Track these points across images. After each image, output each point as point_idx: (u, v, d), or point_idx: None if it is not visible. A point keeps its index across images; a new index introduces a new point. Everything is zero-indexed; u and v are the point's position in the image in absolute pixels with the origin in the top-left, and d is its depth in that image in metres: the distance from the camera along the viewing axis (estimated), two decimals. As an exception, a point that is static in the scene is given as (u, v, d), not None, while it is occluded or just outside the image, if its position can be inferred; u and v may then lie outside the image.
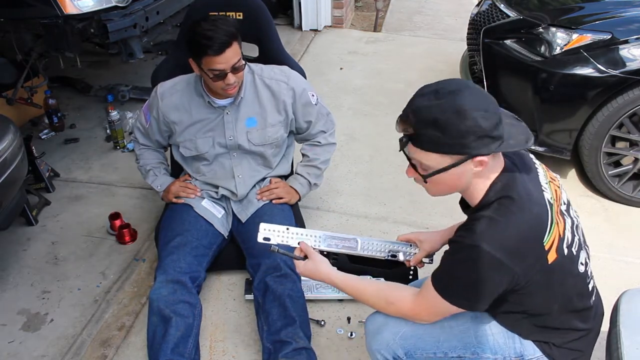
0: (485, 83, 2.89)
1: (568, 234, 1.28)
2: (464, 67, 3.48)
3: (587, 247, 1.41)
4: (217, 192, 2.08)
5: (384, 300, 1.39)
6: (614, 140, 2.59)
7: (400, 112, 1.21)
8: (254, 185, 2.10)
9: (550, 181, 1.32)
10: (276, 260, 1.88)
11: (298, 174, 2.18)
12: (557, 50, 2.54)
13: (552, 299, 1.28)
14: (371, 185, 2.79)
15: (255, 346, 1.91)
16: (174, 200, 2.07)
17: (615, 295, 1.44)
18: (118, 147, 3.08)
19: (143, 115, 2.08)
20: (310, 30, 4.88)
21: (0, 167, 1.88)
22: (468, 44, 3.43)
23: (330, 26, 5.00)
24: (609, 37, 2.43)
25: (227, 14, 2.20)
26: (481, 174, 1.22)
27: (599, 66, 2.42)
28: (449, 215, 2.47)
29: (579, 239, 1.34)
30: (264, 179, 2.12)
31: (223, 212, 2.07)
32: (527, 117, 2.70)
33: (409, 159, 1.25)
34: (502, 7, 2.97)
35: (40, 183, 2.66)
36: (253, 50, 2.31)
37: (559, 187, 1.34)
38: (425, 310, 1.32)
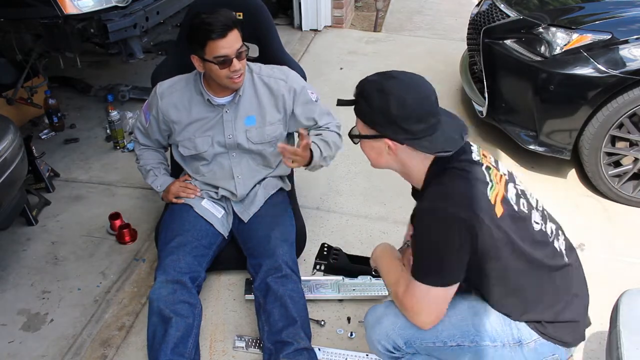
0: (485, 83, 2.90)
1: (512, 195, 1.34)
2: (464, 67, 3.48)
3: (542, 211, 1.44)
4: (216, 193, 2.08)
5: (394, 272, 1.44)
6: (614, 140, 2.59)
7: None
8: (254, 186, 2.10)
9: (483, 157, 1.39)
10: (277, 261, 1.88)
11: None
12: (557, 50, 2.54)
13: (522, 259, 1.31)
14: (371, 185, 2.79)
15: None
16: (174, 200, 2.06)
17: (615, 295, 1.44)
18: (118, 147, 3.08)
19: (143, 115, 2.08)
20: (310, 30, 4.88)
21: (0, 167, 1.88)
22: (468, 44, 3.43)
23: (330, 26, 5.00)
24: (609, 37, 2.43)
25: (227, 13, 2.20)
26: (412, 157, 1.32)
27: (599, 66, 2.43)
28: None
29: (528, 202, 1.38)
30: (264, 179, 2.12)
31: (223, 212, 2.07)
32: (527, 117, 2.71)
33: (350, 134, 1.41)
34: (502, 7, 2.98)
35: (40, 183, 2.66)
36: (253, 50, 2.30)
37: (491, 164, 1.39)
38: (415, 305, 1.33)
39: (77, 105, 3.58)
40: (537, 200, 1.43)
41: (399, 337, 1.42)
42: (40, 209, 2.56)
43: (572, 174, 2.92)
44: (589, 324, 1.47)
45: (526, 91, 2.64)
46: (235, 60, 1.79)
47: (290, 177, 2.31)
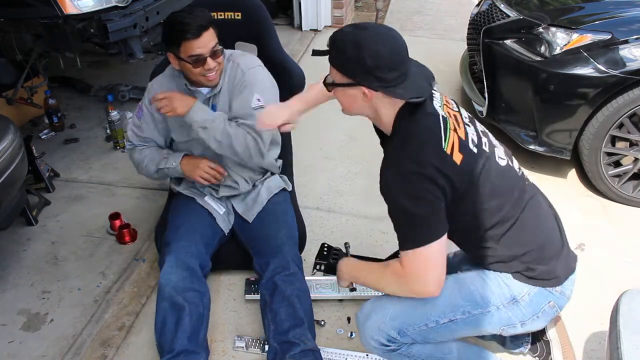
0: (485, 83, 2.89)
1: (473, 137, 1.40)
2: (464, 67, 3.48)
3: (506, 149, 1.51)
4: (217, 192, 2.09)
5: (379, 272, 1.45)
6: (614, 140, 2.59)
7: None
8: (255, 183, 2.11)
9: (445, 105, 1.44)
10: (285, 258, 1.89)
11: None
12: (557, 50, 2.54)
13: (494, 198, 1.36)
14: (371, 185, 2.78)
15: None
16: (199, 179, 1.99)
17: (615, 295, 1.44)
18: (118, 147, 3.08)
19: (136, 115, 2.08)
20: (310, 30, 4.88)
21: (1, 167, 1.88)
22: (468, 44, 3.43)
23: (330, 26, 5.00)
24: (609, 37, 2.43)
25: (226, 14, 2.21)
26: (385, 104, 1.36)
27: (599, 66, 2.42)
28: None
29: (489, 141, 1.45)
30: (266, 178, 2.14)
31: (224, 209, 2.09)
32: (527, 117, 2.70)
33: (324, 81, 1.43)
34: (502, 7, 2.97)
35: (40, 183, 2.66)
36: (252, 50, 2.31)
37: (452, 109, 1.45)
38: (417, 272, 1.34)
39: (77, 105, 3.58)
40: (493, 138, 1.50)
41: (390, 328, 1.43)
42: (40, 209, 2.56)
43: (572, 174, 2.92)
44: (574, 255, 1.50)
45: (526, 91, 2.64)
46: (209, 59, 1.82)
47: (291, 177, 2.32)
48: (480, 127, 1.48)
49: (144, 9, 2.73)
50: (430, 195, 1.29)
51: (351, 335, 1.94)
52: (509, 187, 1.41)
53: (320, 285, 2.09)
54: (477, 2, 3.51)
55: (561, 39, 2.54)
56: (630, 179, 2.63)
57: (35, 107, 3.18)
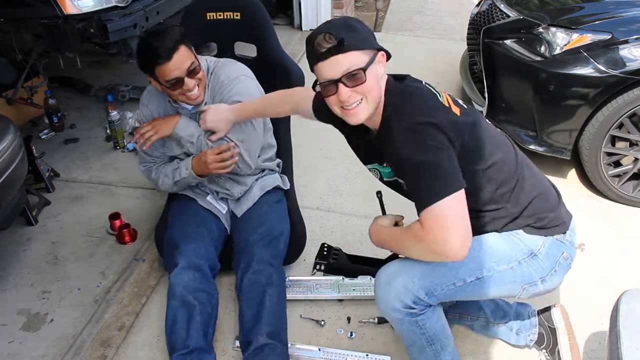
0: (485, 83, 2.89)
1: (462, 103, 1.44)
2: (464, 67, 3.48)
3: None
4: (218, 193, 2.10)
5: (401, 236, 1.42)
6: (614, 140, 2.59)
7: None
8: (251, 185, 2.10)
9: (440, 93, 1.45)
10: (251, 258, 1.88)
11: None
12: (557, 50, 2.54)
13: (499, 150, 1.41)
14: (371, 185, 2.78)
15: (255, 346, 1.91)
16: (217, 171, 1.91)
17: (615, 295, 1.44)
18: (118, 147, 3.08)
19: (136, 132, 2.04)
20: (310, 30, 4.86)
21: (0, 167, 1.88)
22: (468, 44, 3.43)
23: (330, 26, 5.00)
24: (609, 37, 2.43)
25: (225, 14, 2.21)
26: (382, 80, 1.37)
27: (599, 66, 2.42)
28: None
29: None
30: (263, 177, 2.14)
31: (226, 208, 2.10)
32: (527, 117, 2.70)
33: (336, 82, 1.31)
34: (502, 7, 2.98)
35: (40, 183, 2.66)
36: (251, 50, 2.31)
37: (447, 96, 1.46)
38: (441, 227, 1.23)
39: (77, 105, 3.58)
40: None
41: (419, 288, 1.40)
42: (40, 209, 2.56)
43: (572, 174, 2.92)
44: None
45: (526, 91, 2.64)
46: (187, 79, 1.79)
47: (291, 177, 2.31)
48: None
49: (144, 9, 2.73)
50: (444, 144, 1.27)
51: (351, 335, 1.94)
52: (504, 141, 1.47)
53: (320, 285, 2.09)
54: (477, 2, 3.51)
55: (561, 39, 2.54)
56: (630, 179, 2.63)
57: (35, 107, 3.18)
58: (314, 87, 1.38)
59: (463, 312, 1.83)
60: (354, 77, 1.30)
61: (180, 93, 1.82)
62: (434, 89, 1.41)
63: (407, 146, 1.27)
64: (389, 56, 1.39)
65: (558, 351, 1.74)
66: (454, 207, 1.23)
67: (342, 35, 1.27)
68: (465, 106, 1.43)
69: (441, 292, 1.42)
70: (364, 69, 1.30)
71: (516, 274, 1.43)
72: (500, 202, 1.43)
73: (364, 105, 1.34)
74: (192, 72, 1.80)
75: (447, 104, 1.36)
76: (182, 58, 1.75)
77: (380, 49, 1.36)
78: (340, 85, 1.31)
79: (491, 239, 1.45)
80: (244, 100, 1.91)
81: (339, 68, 1.30)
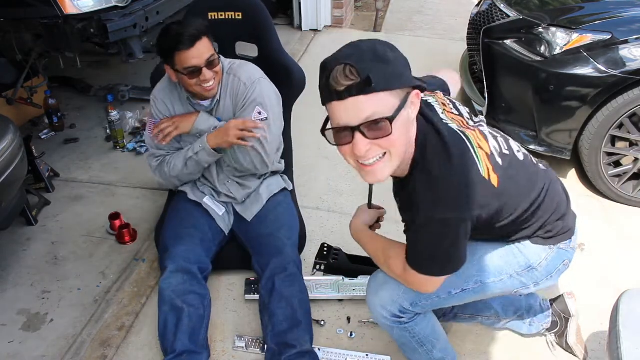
0: (485, 83, 2.89)
1: (494, 144, 1.23)
2: (464, 67, 3.48)
3: (505, 136, 1.39)
4: (219, 195, 2.10)
5: (381, 252, 1.42)
6: (614, 140, 2.59)
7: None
8: (255, 188, 2.10)
9: (444, 111, 1.26)
10: (285, 259, 1.90)
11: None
12: (557, 50, 2.54)
13: (529, 193, 1.30)
14: (371, 185, 2.79)
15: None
16: (236, 141, 1.85)
17: (615, 295, 1.44)
18: (118, 147, 3.08)
19: (148, 128, 2.04)
20: (310, 30, 4.87)
21: (0, 167, 1.88)
22: (468, 44, 3.43)
23: (330, 26, 5.00)
24: (609, 37, 2.43)
25: (226, 14, 2.20)
26: (412, 127, 1.13)
27: (599, 66, 2.42)
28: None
29: (499, 136, 1.32)
30: (266, 179, 2.13)
31: (224, 210, 2.09)
32: (527, 117, 2.70)
33: (352, 129, 1.05)
34: (502, 7, 2.97)
35: (40, 183, 2.66)
36: (252, 50, 2.31)
37: (451, 111, 1.29)
38: (414, 284, 1.32)
39: (77, 105, 3.58)
40: (493, 129, 1.40)
41: (404, 300, 1.41)
42: (40, 209, 2.56)
43: (572, 174, 2.92)
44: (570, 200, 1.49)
45: (526, 91, 2.64)
46: (205, 70, 1.79)
47: (291, 177, 2.32)
48: (483, 122, 1.38)
49: (144, 9, 2.73)
50: (462, 236, 1.18)
51: (351, 335, 1.94)
52: (534, 173, 1.35)
53: (320, 285, 2.09)
54: (477, 2, 3.51)
55: (561, 39, 2.54)
56: (630, 179, 2.63)
57: (35, 107, 3.17)
58: (323, 131, 1.10)
59: (475, 312, 1.82)
60: (376, 127, 1.03)
61: (196, 83, 1.82)
62: (472, 147, 1.17)
63: (428, 230, 1.18)
64: (423, 90, 1.13)
65: (566, 335, 1.79)
66: (441, 280, 1.29)
67: (369, 70, 0.99)
68: (501, 162, 1.21)
69: (426, 303, 1.43)
70: (390, 119, 1.02)
71: (505, 285, 1.42)
72: (526, 223, 1.38)
73: (386, 161, 1.10)
74: (210, 64, 1.80)
75: (487, 175, 1.15)
76: (203, 48, 1.77)
77: (417, 86, 1.08)
78: (358, 135, 1.04)
79: (486, 253, 1.41)
80: (264, 102, 1.92)
81: (360, 113, 1.02)
